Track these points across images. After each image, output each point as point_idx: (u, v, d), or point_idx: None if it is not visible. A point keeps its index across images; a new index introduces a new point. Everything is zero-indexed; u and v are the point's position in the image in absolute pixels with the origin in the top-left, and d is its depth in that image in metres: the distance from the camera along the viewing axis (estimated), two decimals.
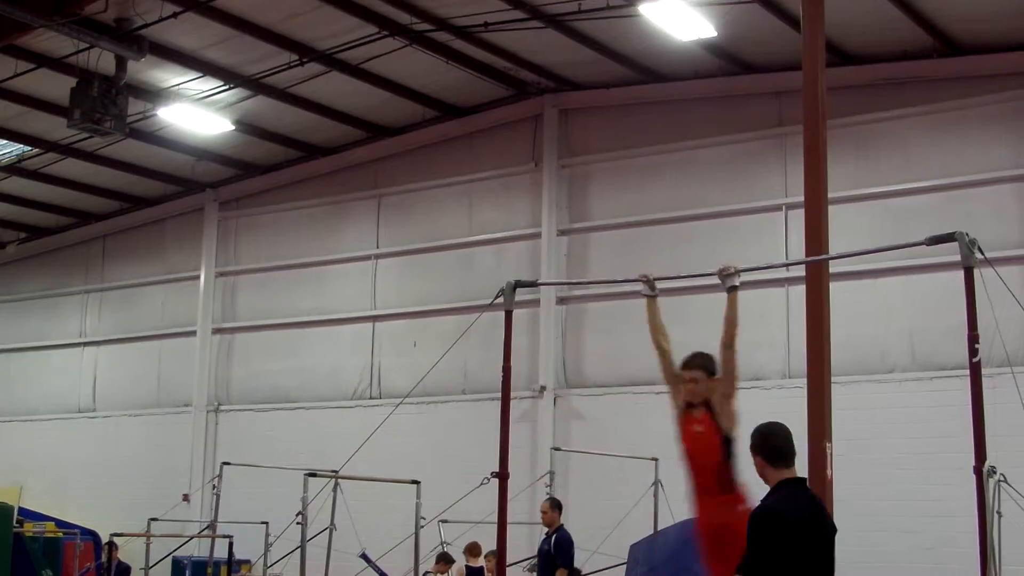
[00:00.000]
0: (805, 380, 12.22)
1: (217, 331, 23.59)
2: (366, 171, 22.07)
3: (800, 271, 14.78)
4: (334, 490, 16.31)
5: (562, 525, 14.08)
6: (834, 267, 13.77)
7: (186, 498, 22.43)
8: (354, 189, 22.17)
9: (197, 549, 20.80)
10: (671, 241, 18.36)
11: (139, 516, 19.12)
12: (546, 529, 14.20)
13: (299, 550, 13.97)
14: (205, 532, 19.40)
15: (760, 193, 17.82)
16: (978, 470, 7.24)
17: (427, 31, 17.19)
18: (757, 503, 6.03)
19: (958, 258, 7.32)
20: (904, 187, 16.68)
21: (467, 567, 16.54)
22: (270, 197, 23.37)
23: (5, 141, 21.55)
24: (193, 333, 23.69)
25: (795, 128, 15.55)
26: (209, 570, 18.97)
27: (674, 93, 18.77)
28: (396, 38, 17.28)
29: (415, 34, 17.22)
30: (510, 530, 9.25)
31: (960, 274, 7.35)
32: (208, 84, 18.69)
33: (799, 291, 13.87)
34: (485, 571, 16.37)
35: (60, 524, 21.60)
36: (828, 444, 11.55)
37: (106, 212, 25.39)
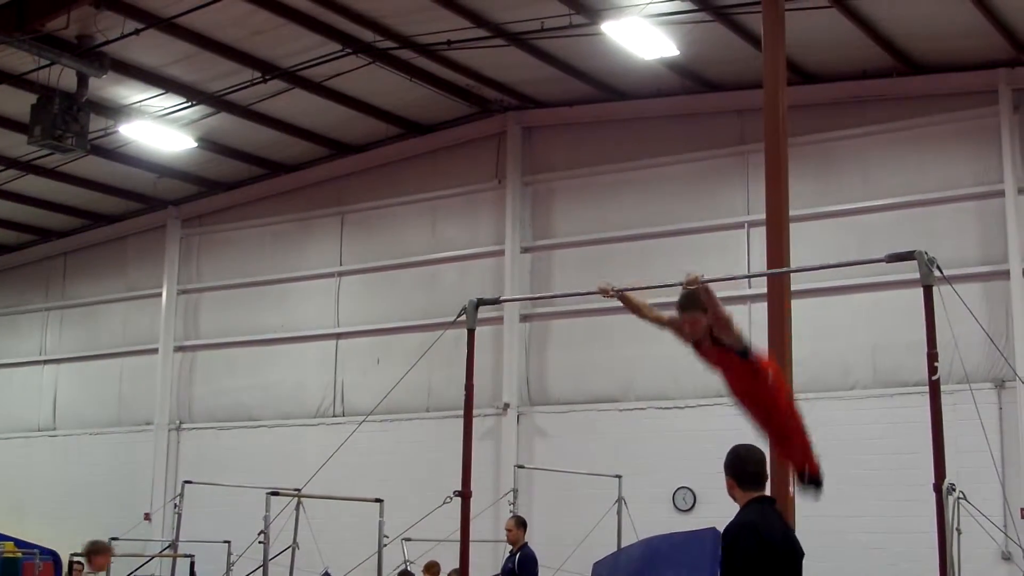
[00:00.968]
0: None
1: (179, 349, 23.44)
2: (329, 188, 22.04)
3: (762, 288, 14.85)
4: (297, 508, 16.23)
5: (526, 543, 14.07)
6: (796, 284, 13.85)
7: (148, 517, 22.29)
8: (317, 206, 22.12)
9: (159, 568, 20.62)
10: (634, 258, 18.40)
11: (100, 535, 18.87)
12: (510, 547, 14.18)
13: (261, 569, 13.90)
14: (167, 551, 19.25)
15: (722, 210, 17.91)
16: (938, 488, 7.29)
17: (390, 49, 17.20)
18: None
19: (919, 275, 7.39)
20: (865, 204, 16.82)
21: None
22: (233, 214, 23.28)
23: None
24: (155, 351, 23.52)
25: (757, 146, 15.62)
26: None
27: (637, 111, 18.85)
28: (359, 56, 17.29)
29: (378, 52, 17.23)
30: (474, 548, 9.25)
31: (921, 291, 7.42)
32: (170, 101, 18.61)
33: (761, 308, 13.94)
34: None
35: (20, 544, 21.35)
36: None
37: (67, 229, 25.23)
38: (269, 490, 14.29)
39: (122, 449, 23.67)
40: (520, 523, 14.23)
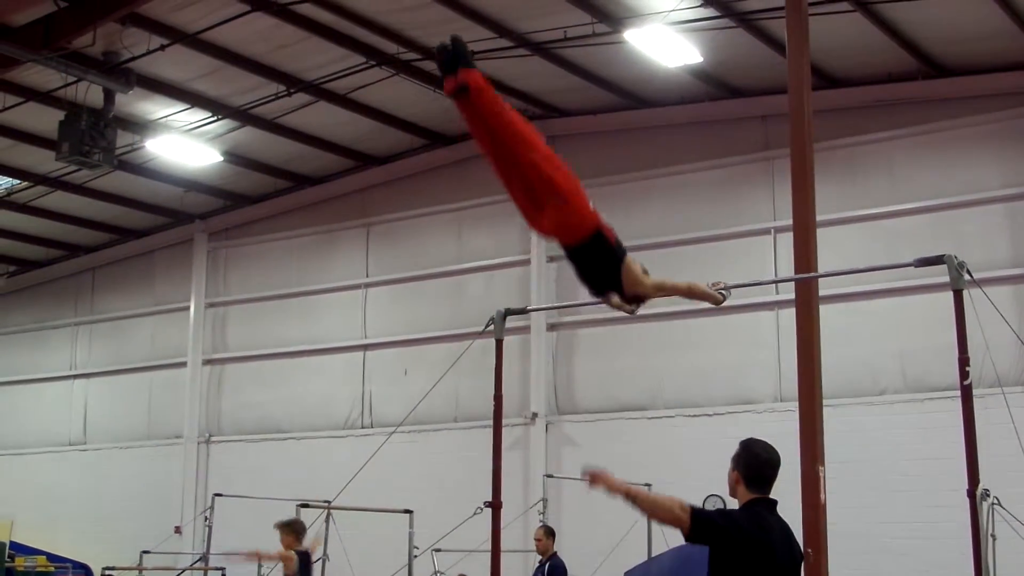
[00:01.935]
0: (796, 403, 12.23)
1: (207, 362, 23.52)
2: (355, 200, 22.08)
3: (790, 295, 14.79)
4: (327, 521, 16.22)
5: (556, 553, 14.06)
6: (823, 290, 13.78)
7: (178, 530, 22.34)
8: (343, 218, 22.17)
9: None
10: (660, 266, 18.07)
11: (131, 549, 19.04)
12: (540, 557, 14.16)
13: None
14: (198, 564, 19.28)
15: (748, 217, 17.85)
16: (971, 493, 7.25)
17: (414, 60, 17.23)
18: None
19: (948, 279, 7.35)
20: (893, 209, 16.71)
21: None
22: (259, 227, 23.36)
23: None
24: (183, 364, 23.60)
25: (782, 151, 15.57)
26: None
27: (661, 118, 18.82)
28: (383, 67, 17.33)
29: (402, 63, 17.27)
30: (504, 558, 9.24)
31: (951, 295, 7.37)
32: (196, 115, 18.70)
33: (789, 314, 13.90)
34: None
35: (52, 558, 21.51)
36: (821, 467, 11.54)
37: (95, 244, 25.37)
38: (299, 502, 14.30)
39: (152, 463, 23.74)
40: (549, 533, 14.22)
